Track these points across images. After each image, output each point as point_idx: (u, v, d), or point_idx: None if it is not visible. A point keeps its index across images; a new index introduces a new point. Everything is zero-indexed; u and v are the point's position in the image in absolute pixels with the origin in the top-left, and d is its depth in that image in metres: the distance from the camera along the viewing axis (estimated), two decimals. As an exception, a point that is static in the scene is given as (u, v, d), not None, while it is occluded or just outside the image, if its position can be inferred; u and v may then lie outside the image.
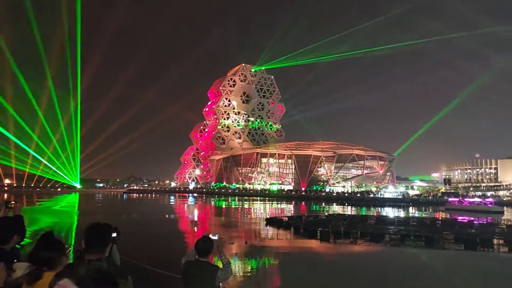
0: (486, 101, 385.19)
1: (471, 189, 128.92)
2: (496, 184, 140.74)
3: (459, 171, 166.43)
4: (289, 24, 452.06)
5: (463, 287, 17.52)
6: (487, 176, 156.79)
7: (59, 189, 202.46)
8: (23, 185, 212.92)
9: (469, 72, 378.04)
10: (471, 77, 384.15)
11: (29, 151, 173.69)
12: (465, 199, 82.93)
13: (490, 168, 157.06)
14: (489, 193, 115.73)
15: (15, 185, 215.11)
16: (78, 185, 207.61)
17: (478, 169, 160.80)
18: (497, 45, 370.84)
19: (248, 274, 18.90)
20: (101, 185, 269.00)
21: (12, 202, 6.71)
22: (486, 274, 19.73)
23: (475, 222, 37.99)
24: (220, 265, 6.11)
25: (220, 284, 5.97)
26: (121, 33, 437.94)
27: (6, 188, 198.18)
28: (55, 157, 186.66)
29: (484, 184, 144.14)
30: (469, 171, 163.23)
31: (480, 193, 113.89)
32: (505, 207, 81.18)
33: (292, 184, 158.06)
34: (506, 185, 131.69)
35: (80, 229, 35.36)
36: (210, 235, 6.28)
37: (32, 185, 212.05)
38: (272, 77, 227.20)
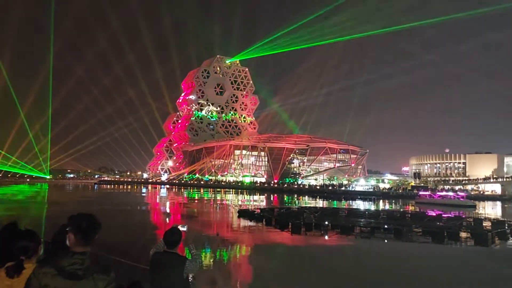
0: (457, 99, 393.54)
1: (441, 183, 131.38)
2: (464, 178, 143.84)
3: (428, 165, 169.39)
4: (269, 15, 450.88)
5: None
6: (456, 171, 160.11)
7: (27, 180, 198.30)
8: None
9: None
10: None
11: None
12: (437, 193, 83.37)
13: (459, 163, 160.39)
14: (457, 187, 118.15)
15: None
16: (47, 176, 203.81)
17: (447, 164, 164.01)
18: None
19: (219, 266, 18.87)
20: (71, 175, 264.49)
21: None
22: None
23: (444, 215, 38.71)
24: (189, 256, 6.08)
25: (189, 275, 5.93)
26: (94, 25, 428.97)
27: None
28: (27, 150, 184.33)
29: (452, 178, 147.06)
30: (438, 165, 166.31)
31: (448, 187, 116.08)
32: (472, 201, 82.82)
33: (265, 176, 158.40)
34: (473, 180, 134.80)
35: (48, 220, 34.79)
36: (179, 227, 6.22)
37: (0, 175, 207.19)
38: (247, 69, 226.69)
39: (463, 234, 28.64)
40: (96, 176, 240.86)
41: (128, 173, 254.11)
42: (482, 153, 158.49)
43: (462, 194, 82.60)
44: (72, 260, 3.24)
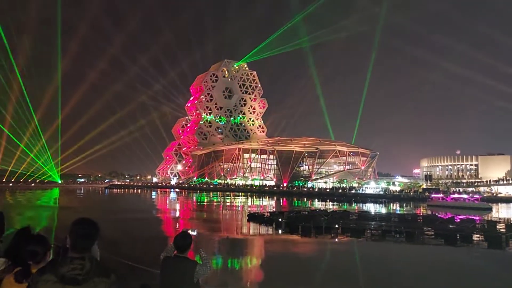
0: (465, 98, 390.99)
1: (453, 185, 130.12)
2: (476, 180, 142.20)
3: (440, 167, 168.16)
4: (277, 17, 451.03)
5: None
6: (468, 172, 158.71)
7: (39, 184, 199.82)
8: (3, 180, 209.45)
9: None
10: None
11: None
12: (450, 196, 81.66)
13: (471, 165, 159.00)
14: (469, 189, 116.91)
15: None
16: (58, 181, 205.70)
17: (459, 165, 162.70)
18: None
19: (229, 270, 18.77)
20: (82, 180, 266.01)
21: None
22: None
23: (456, 218, 38.24)
24: (199, 260, 6.02)
25: (200, 279, 5.88)
26: (105, 29, 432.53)
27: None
28: (40, 154, 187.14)
29: (464, 180, 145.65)
30: (450, 167, 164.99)
31: (460, 189, 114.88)
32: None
33: (274, 179, 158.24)
34: (486, 181, 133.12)
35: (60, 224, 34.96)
36: (189, 231, 6.20)
37: (12, 180, 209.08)
38: (255, 72, 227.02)
39: (476, 237, 28.19)
40: (107, 181, 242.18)
41: (138, 177, 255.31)
42: (495, 155, 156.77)
43: (477, 196, 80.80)
44: (71, 266, 3.22)
